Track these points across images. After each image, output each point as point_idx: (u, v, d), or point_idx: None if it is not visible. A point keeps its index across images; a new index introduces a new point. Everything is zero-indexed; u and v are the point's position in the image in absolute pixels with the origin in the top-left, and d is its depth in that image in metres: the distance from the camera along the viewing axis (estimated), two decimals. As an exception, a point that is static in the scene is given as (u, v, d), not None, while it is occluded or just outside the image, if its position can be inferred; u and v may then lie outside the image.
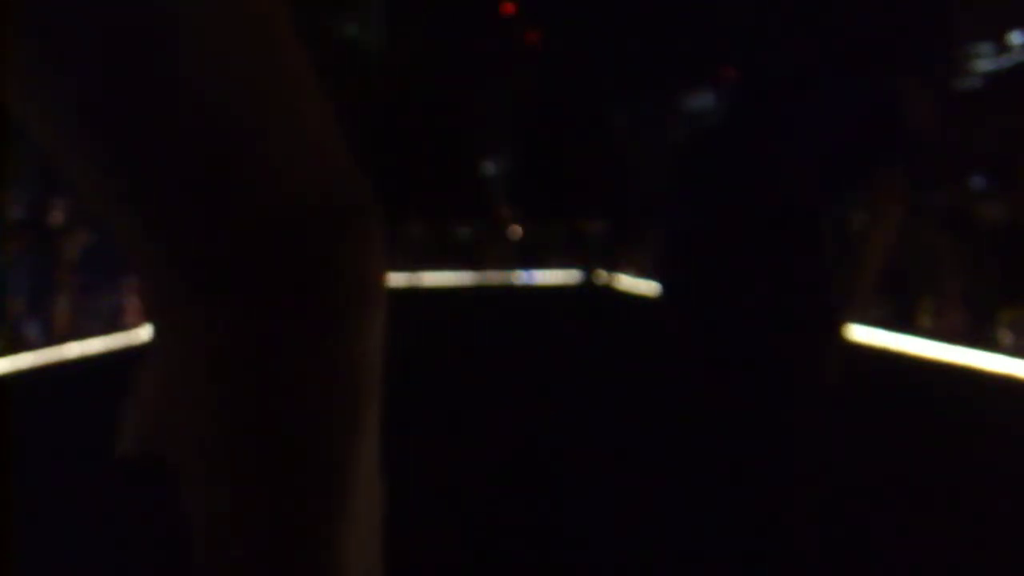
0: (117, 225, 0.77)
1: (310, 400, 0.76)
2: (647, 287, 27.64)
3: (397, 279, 35.37)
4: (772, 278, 2.85)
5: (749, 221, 2.80)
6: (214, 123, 0.72)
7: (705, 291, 2.91)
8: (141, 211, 0.73)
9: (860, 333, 13.50)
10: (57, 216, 14.56)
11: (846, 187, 2.96)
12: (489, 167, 45.42)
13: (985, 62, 26.64)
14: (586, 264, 35.86)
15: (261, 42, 0.77)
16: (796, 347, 2.91)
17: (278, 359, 0.75)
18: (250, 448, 0.75)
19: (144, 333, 15.10)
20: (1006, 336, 12.24)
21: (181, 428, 0.79)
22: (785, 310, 2.88)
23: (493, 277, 36.36)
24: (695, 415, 3.04)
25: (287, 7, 0.84)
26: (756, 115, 2.98)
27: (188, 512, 0.79)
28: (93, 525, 4.95)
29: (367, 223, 0.82)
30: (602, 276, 34.37)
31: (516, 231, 42.91)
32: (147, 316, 0.79)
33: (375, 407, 0.82)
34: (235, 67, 0.73)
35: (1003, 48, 26.86)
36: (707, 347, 2.96)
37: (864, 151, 2.93)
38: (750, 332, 2.88)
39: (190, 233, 0.72)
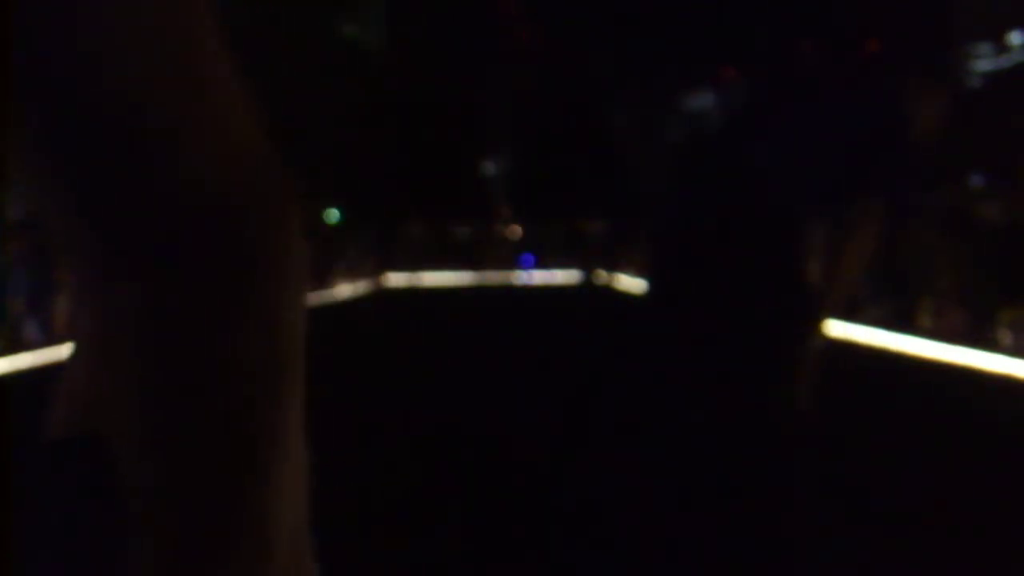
0: (42, 204, 0.79)
1: (234, 377, 0.79)
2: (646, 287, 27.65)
3: (397, 279, 35.39)
4: (749, 280, 2.87)
5: (732, 225, 2.82)
6: (136, 107, 0.73)
7: (686, 291, 2.92)
8: (67, 192, 0.75)
9: (860, 333, 13.50)
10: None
11: (841, 196, 2.97)
12: (489, 167, 45.44)
13: (985, 62, 26.67)
14: (586, 264, 35.90)
15: (179, 28, 0.79)
16: (766, 350, 2.92)
17: (200, 337, 0.77)
18: (176, 423, 0.78)
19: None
20: (1005, 336, 12.25)
21: (109, 407, 0.81)
22: (758, 312, 2.89)
23: (493, 277, 36.41)
24: (676, 413, 3.05)
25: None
26: (753, 120, 2.99)
27: (120, 489, 0.81)
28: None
29: (286, 207, 0.84)
30: (602, 276, 34.40)
31: (516, 231, 42.93)
32: (74, 298, 0.81)
33: (299, 384, 0.85)
34: (154, 50, 0.75)
35: (1003, 48, 26.89)
36: (685, 346, 2.96)
37: (867, 160, 2.93)
38: (725, 331, 2.90)
39: (114, 215, 0.74)
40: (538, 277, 36.63)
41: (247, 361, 0.77)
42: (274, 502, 0.79)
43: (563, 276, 36.20)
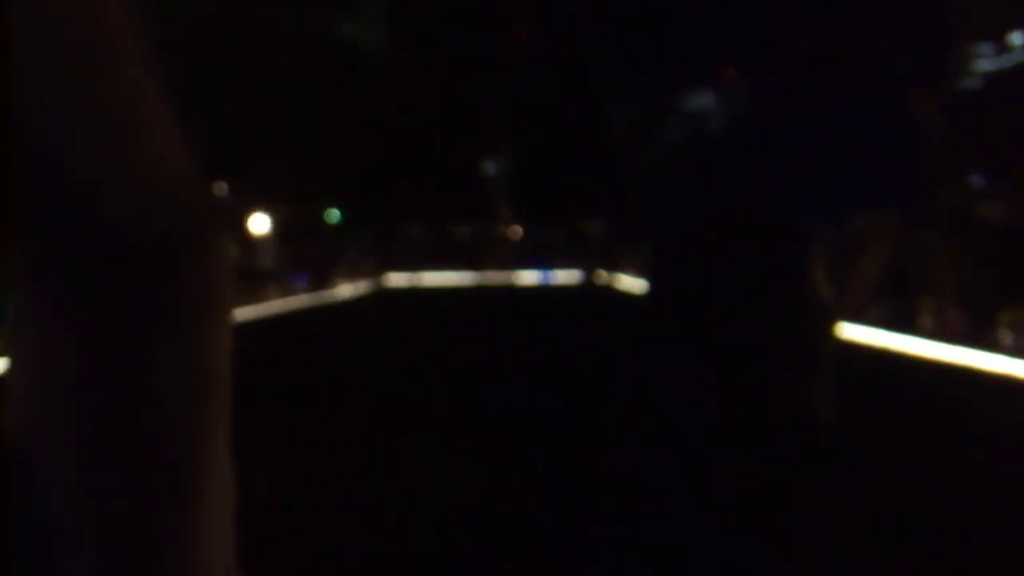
0: None
1: (159, 401, 0.81)
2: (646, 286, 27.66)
3: (398, 279, 35.40)
4: (749, 281, 2.86)
5: (734, 224, 2.82)
6: (62, 140, 0.75)
7: (687, 291, 2.92)
8: None
9: (860, 333, 13.51)
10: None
11: (853, 205, 2.96)
12: (489, 167, 45.45)
13: (986, 62, 26.67)
14: (586, 264, 35.93)
15: (103, 50, 0.81)
16: (767, 350, 2.92)
17: (123, 361, 0.80)
18: (102, 446, 0.80)
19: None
20: (1006, 336, 12.26)
21: (41, 427, 0.83)
22: (757, 312, 2.89)
23: (493, 277, 36.42)
24: (682, 411, 3.05)
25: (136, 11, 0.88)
26: (759, 122, 2.98)
27: (50, 513, 0.83)
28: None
29: (212, 232, 0.86)
30: (602, 276, 34.43)
31: (516, 231, 42.94)
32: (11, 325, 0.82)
33: (225, 407, 0.87)
34: (80, 84, 0.77)
35: (1004, 48, 26.88)
36: (685, 346, 2.96)
37: (880, 168, 2.94)
38: (727, 332, 2.90)
39: (39, 241, 0.76)
40: (537, 277, 36.63)
41: (171, 385, 0.80)
42: (202, 525, 0.82)
43: (563, 276, 36.22)
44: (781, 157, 2.93)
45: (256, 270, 23.36)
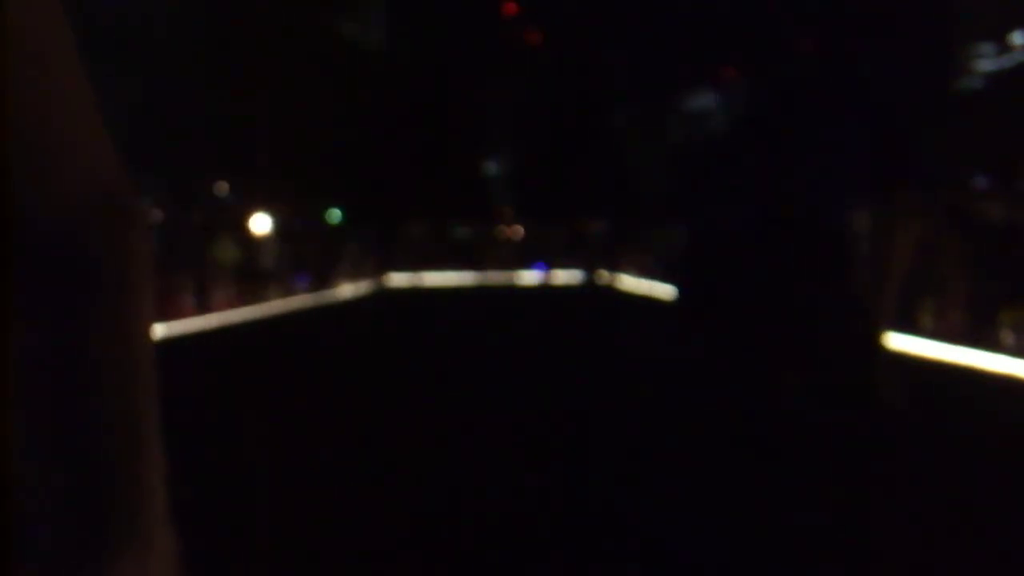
0: None
1: (95, 386, 0.86)
2: (648, 287, 27.65)
3: (399, 279, 35.40)
4: (804, 286, 2.84)
5: (778, 228, 2.78)
6: None
7: (732, 295, 2.88)
8: None
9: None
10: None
11: (868, 195, 2.95)
12: (490, 167, 45.44)
13: (987, 62, 26.67)
14: (588, 264, 35.92)
15: (33, 49, 0.84)
16: (831, 356, 2.91)
17: (57, 348, 0.84)
18: (48, 430, 0.85)
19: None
20: (1007, 336, 12.25)
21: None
22: (817, 319, 2.88)
23: (494, 277, 36.42)
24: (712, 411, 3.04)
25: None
26: (780, 121, 2.94)
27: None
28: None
29: (131, 221, 0.90)
30: (604, 276, 34.41)
31: (517, 231, 42.93)
32: None
33: (153, 394, 0.93)
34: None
35: (1005, 48, 26.87)
36: (728, 350, 2.93)
37: (901, 143, 2.92)
38: (767, 335, 2.88)
39: None
40: (540, 277, 36.62)
41: (105, 372, 0.84)
42: (147, 505, 0.87)
43: (564, 276, 36.21)
44: (799, 155, 2.91)
45: (257, 270, 23.34)
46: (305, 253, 28.18)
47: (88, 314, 0.87)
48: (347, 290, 28.98)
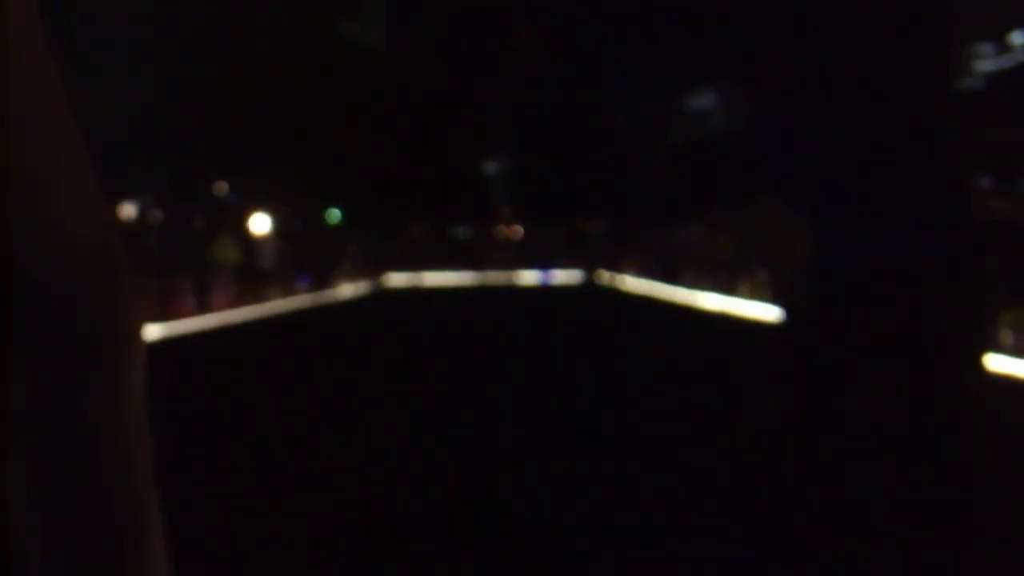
0: None
1: (98, 441, 0.87)
2: (648, 287, 27.66)
3: (399, 279, 35.40)
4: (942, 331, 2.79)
5: (919, 265, 2.70)
6: None
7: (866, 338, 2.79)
8: None
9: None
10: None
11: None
12: (490, 167, 45.48)
13: (987, 62, 26.66)
14: (587, 264, 35.92)
15: (33, 111, 0.85)
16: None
17: (63, 405, 0.86)
18: (52, 483, 0.87)
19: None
20: (1007, 336, 12.24)
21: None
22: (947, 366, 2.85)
23: (494, 277, 36.42)
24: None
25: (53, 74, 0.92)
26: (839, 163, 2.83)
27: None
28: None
29: (122, 278, 0.92)
30: (603, 276, 34.41)
31: (517, 231, 42.94)
32: None
33: (147, 445, 0.95)
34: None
35: (1004, 48, 26.88)
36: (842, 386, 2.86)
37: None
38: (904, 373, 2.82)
39: None
40: (540, 277, 36.64)
41: (106, 427, 0.86)
42: (154, 555, 0.91)
43: (564, 276, 36.21)
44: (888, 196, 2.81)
45: (257, 270, 23.35)
46: (305, 253, 28.20)
47: (86, 380, 0.88)
48: (347, 290, 28.99)
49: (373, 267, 34.31)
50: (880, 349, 2.77)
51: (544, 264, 37.13)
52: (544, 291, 31.04)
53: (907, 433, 2.95)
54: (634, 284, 30.19)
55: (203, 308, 18.59)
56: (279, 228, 27.30)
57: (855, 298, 2.73)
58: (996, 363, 11.01)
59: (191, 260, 18.77)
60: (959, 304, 2.80)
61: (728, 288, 21.39)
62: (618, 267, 33.81)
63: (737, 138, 28.72)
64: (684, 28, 34.61)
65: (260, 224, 26.16)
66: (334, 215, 37.51)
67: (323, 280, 28.18)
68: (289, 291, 24.78)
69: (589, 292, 30.50)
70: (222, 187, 29.65)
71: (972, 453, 2.96)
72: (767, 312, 17.26)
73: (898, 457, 3.01)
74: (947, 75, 2.98)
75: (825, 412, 2.88)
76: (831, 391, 2.84)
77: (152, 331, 15.41)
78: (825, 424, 2.89)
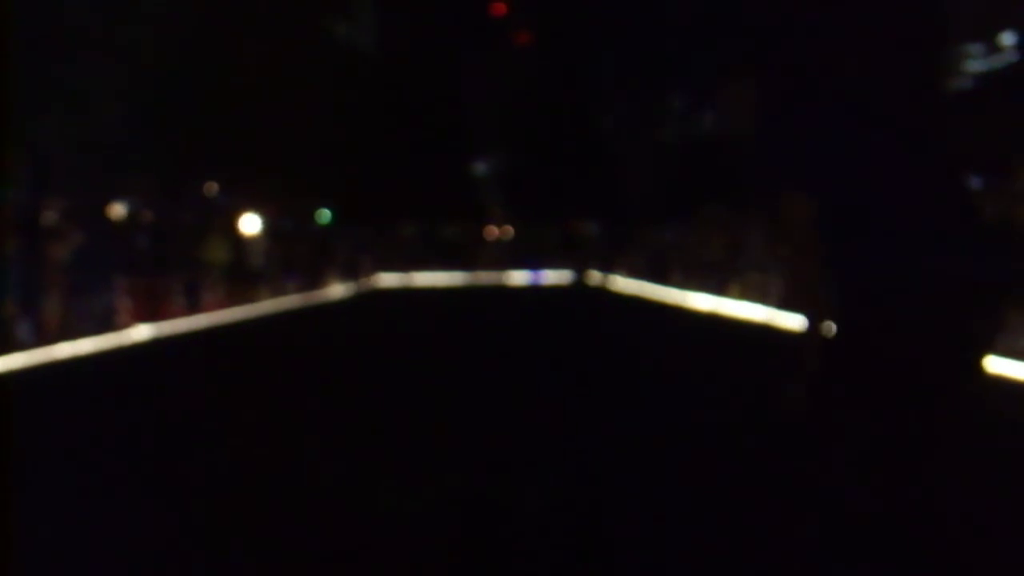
0: None
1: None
2: (638, 287, 27.68)
3: (389, 279, 35.38)
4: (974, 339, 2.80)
5: (956, 284, 2.68)
6: None
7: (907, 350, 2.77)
8: None
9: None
10: (49, 217, 14.49)
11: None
12: (481, 168, 45.48)
13: (977, 63, 26.71)
14: (578, 265, 35.91)
15: None
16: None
17: None
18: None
19: (135, 333, 15.07)
20: (1003, 337, 12.26)
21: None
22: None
23: (484, 277, 36.41)
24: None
25: None
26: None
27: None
28: (83, 522, 4.93)
29: None
30: (594, 277, 34.41)
31: (507, 231, 42.94)
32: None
33: None
34: None
35: (995, 49, 26.93)
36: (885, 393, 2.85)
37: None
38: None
39: None
40: (530, 278, 36.64)
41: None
42: None
43: (555, 276, 36.21)
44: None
45: (247, 270, 23.30)
46: (295, 253, 28.16)
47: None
48: (337, 290, 28.96)
49: (363, 267, 34.28)
50: (901, 362, 2.77)
51: (535, 264, 37.14)
52: (534, 291, 31.04)
53: (912, 442, 2.96)
54: (624, 284, 30.19)
55: (193, 309, 18.55)
56: (269, 228, 27.25)
57: (883, 309, 2.73)
58: (993, 363, 11.04)
59: (181, 260, 18.72)
60: (984, 315, 2.80)
61: (718, 288, 21.38)
62: (609, 267, 33.81)
63: (733, 141, 28.75)
64: (676, 28, 34.67)
65: (250, 224, 26.10)
66: (324, 215, 37.45)
67: (313, 280, 28.15)
68: (279, 291, 24.75)
69: (579, 292, 30.50)
70: (212, 187, 29.56)
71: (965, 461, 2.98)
72: (756, 312, 17.29)
73: (896, 460, 3.01)
74: (944, 83, 2.98)
75: (840, 417, 2.88)
76: (851, 398, 2.84)
77: (142, 331, 15.36)
78: (838, 428, 2.89)
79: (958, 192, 2.83)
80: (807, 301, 2.86)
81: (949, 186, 2.80)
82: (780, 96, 2.95)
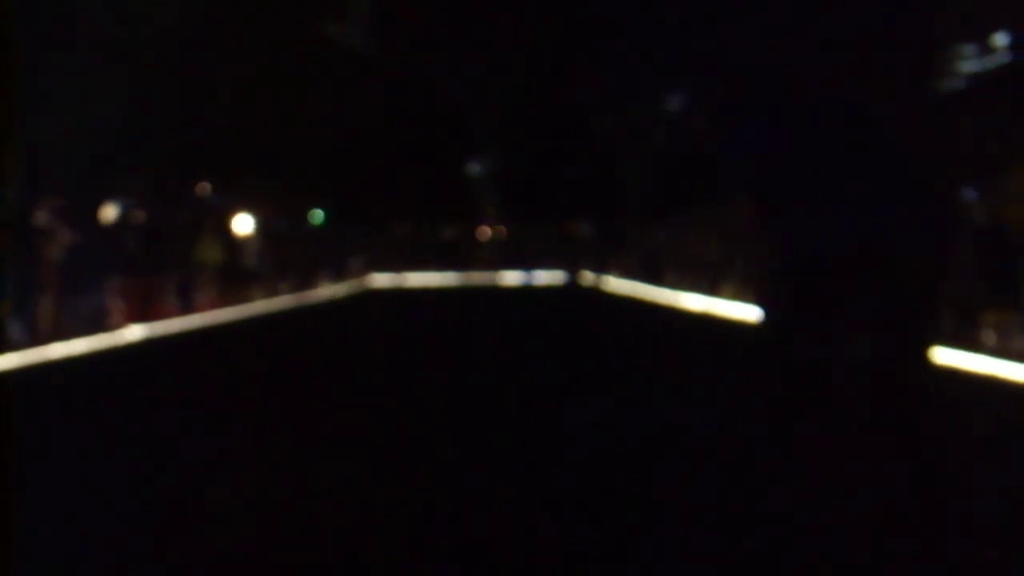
0: None
1: None
2: (631, 287, 27.70)
3: (382, 279, 35.37)
4: (902, 308, 2.82)
5: (886, 249, 2.70)
6: None
7: (834, 319, 2.81)
8: None
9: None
10: (41, 217, 14.48)
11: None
12: (475, 168, 45.47)
13: (970, 63, 26.74)
14: (571, 265, 35.96)
15: None
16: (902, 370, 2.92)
17: None
18: None
19: (128, 333, 15.06)
20: (990, 337, 12.30)
21: None
22: (904, 339, 2.88)
23: (478, 278, 36.45)
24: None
25: None
26: (855, 136, 2.83)
27: None
28: (78, 520, 4.94)
29: None
30: (587, 277, 34.45)
31: (501, 232, 42.95)
32: None
33: None
34: None
35: (987, 50, 26.97)
36: (822, 370, 2.87)
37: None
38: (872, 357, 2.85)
39: None
40: (524, 278, 36.66)
41: None
42: None
43: (548, 277, 36.24)
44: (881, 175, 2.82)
45: (240, 270, 23.29)
46: (288, 253, 28.15)
47: None
48: (330, 290, 28.95)
49: (357, 267, 34.30)
50: (850, 330, 2.81)
51: (528, 264, 37.18)
52: (527, 292, 31.05)
53: (873, 409, 2.99)
54: (617, 285, 30.22)
55: (186, 309, 18.54)
56: (262, 228, 27.24)
57: (824, 283, 2.78)
58: (979, 364, 11.07)
59: (174, 261, 18.71)
60: (924, 282, 2.84)
61: (711, 289, 21.43)
62: (602, 268, 33.85)
63: (706, 138, 28.79)
64: (668, 29, 34.63)
65: (243, 224, 26.09)
66: (317, 215, 37.46)
67: (306, 280, 28.15)
68: (272, 291, 24.75)
69: (572, 293, 30.51)
70: (204, 188, 29.56)
71: (931, 430, 3.01)
72: (748, 313, 17.31)
73: (867, 430, 3.04)
74: (907, 66, 3.01)
75: (808, 395, 2.91)
76: (811, 375, 2.88)
77: (134, 332, 15.35)
78: (810, 406, 2.92)
79: (887, 162, 2.85)
80: (759, 291, 2.92)
81: (875, 157, 2.82)
82: (721, 100, 2.98)
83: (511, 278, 36.76)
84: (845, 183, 2.82)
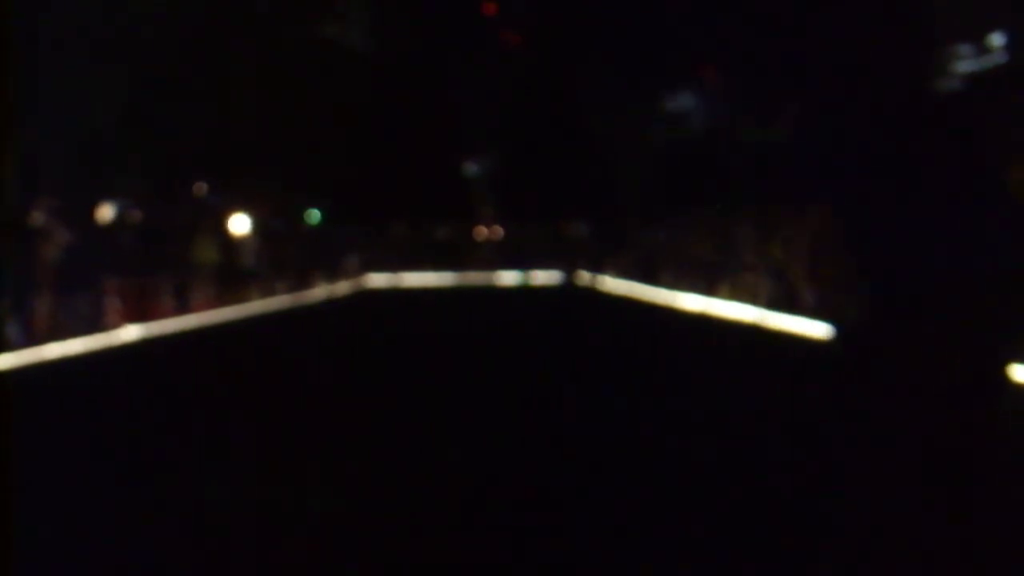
0: None
1: None
2: (628, 287, 27.71)
3: (379, 279, 35.37)
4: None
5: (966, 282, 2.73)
6: None
7: (925, 340, 2.83)
8: None
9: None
10: (38, 217, 14.45)
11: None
12: (472, 168, 45.43)
13: (966, 63, 26.73)
14: (567, 265, 35.97)
15: None
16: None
17: None
18: None
19: (124, 333, 15.04)
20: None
21: None
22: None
23: (474, 277, 36.46)
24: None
25: None
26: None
27: None
28: (76, 520, 4.93)
29: None
30: (583, 277, 34.44)
31: (497, 232, 42.92)
32: None
33: None
34: None
35: (984, 50, 26.97)
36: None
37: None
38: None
39: None
40: (520, 278, 36.68)
41: None
42: None
43: (544, 276, 36.25)
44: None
45: (237, 270, 23.27)
46: (285, 253, 28.13)
47: None
48: (327, 290, 28.93)
49: (353, 267, 34.27)
50: (933, 359, 2.84)
51: (525, 264, 37.19)
52: (523, 291, 31.05)
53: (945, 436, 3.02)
54: (614, 284, 30.21)
55: (182, 309, 18.53)
56: (259, 228, 27.21)
57: (912, 309, 2.81)
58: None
59: (171, 261, 18.70)
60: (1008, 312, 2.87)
61: (708, 289, 21.41)
62: (599, 268, 33.85)
63: (719, 139, 28.81)
64: (666, 29, 34.66)
65: (240, 224, 26.07)
66: (314, 215, 37.41)
67: (303, 280, 28.12)
68: (269, 291, 24.72)
69: (568, 292, 30.52)
70: (201, 188, 29.52)
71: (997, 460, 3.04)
72: (746, 313, 17.31)
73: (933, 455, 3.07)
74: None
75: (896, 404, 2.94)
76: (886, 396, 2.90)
77: (131, 332, 15.34)
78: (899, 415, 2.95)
79: (984, 190, 2.89)
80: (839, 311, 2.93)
81: (971, 186, 2.86)
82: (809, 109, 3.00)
83: (508, 278, 36.78)
84: (946, 213, 2.86)
